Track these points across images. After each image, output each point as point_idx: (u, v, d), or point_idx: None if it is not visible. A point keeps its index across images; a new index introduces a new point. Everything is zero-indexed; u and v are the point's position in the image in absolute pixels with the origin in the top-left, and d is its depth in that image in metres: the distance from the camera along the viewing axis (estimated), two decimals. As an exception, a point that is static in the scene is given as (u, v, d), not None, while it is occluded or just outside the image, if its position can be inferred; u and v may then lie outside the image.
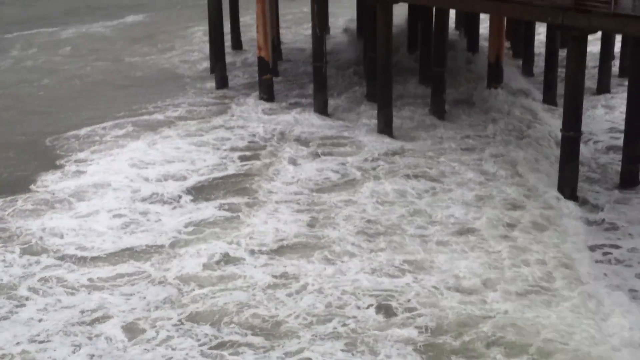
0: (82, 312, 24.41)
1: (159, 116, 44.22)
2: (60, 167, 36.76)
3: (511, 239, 28.33)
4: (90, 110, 45.70)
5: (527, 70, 50.19)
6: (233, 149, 38.26)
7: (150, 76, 54.44)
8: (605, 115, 42.63)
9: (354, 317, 23.61)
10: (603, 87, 46.26)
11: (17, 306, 24.82)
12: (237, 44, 58.43)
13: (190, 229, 29.87)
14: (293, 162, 36.21)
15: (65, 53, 62.11)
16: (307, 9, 50.02)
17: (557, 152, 33.76)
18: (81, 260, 27.73)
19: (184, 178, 34.84)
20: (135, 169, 36.03)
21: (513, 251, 27.34)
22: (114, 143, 39.76)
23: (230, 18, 56.93)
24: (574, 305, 23.72)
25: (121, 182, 34.47)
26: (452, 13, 50.66)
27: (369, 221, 29.94)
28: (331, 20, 64.12)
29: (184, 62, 57.91)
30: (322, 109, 42.45)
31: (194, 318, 23.94)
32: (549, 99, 44.24)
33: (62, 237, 29.41)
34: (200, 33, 65.97)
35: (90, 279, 26.42)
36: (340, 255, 27.42)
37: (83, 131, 41.74)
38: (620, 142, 35.52)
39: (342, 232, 29.11)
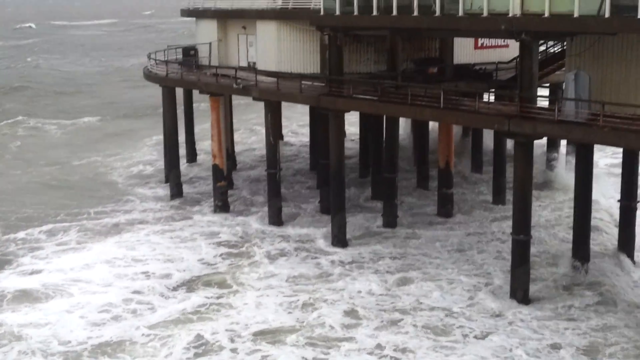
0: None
1: (111, 220, 44.84)
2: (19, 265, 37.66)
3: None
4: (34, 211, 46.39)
5: (476, 172, 51.46)
6: (195, 253, 39.02)
7: (96, 181, 54.99)
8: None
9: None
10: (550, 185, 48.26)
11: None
12: (191, 153, 58.85)
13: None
14: (260, 264, 36.97)
15: (13, 151, 62.83)
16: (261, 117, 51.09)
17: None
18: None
19: (163, 276, 35.78)
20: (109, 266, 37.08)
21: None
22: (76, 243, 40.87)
23: (185, 128, 57.47)
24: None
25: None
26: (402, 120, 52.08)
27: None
28: (285, 124, 65.63)
29: (134, 168, 58.58)
30: (276, 217, 42.69)
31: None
32: (498, 201, 45.28)
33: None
34: (151, 142, 66.88)
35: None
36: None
37: (35, 232, 42.54)
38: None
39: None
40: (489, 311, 31.40)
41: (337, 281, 34.89)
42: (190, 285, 34.94)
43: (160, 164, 57.86)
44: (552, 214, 43.82)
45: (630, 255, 36.46)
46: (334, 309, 31.81)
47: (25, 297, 33.73)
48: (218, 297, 33.36)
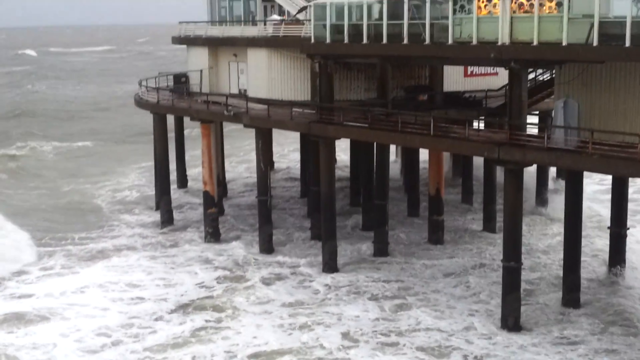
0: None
1: (97, 246, 44.94)
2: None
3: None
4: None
5: (467, 200, 51.58)
6: (188, 278, 39.17)
7: (83, 207, 54.98)
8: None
9: None
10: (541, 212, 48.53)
11: None
12: (182, 180, 58.80)
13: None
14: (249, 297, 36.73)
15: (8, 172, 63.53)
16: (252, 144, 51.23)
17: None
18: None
19: (159, 299, 35.96)
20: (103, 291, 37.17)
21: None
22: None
23: (176, 154, 57.47)
24: None
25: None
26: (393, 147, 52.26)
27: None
28: (276, 150, 65.83)
29: (122, 194, 58.74)
30: (267, 244, 42.62)
31: None
32: (489, 228, 45.38)
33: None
34: (141, 167, 66.96)
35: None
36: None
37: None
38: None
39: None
40: (486, 334, 31.48)
41: (333, 305, 34.97)
42: (187, 308, 34.98)
43: (148, 189, 58.04)
44: (553, 239, 43.93)
45: (621, 282, 36.53)
46: (331, 331, 31.99)
47: (18, 320, 33.70)
48: (215, 321, 33.47)
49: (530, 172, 45.51)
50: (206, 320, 33.49)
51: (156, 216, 50.56)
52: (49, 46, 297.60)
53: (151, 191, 55.41)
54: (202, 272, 39.91)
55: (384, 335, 31.69)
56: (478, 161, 49.96)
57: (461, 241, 44.19)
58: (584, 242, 36.55)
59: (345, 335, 31.65)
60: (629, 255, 38.44)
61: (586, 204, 39.91)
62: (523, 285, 33.16)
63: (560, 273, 35.88)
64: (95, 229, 48.98)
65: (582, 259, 35.74)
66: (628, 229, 36.85)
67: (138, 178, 64.12)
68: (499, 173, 42.70)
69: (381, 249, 41.52)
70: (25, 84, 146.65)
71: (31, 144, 79.99)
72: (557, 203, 46.89)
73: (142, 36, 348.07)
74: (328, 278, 38.37)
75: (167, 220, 49.00)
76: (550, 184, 51.51)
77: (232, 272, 39.84)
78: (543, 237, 44.60)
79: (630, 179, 37.10)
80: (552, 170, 51.81)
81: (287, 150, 71.53)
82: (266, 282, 38.23)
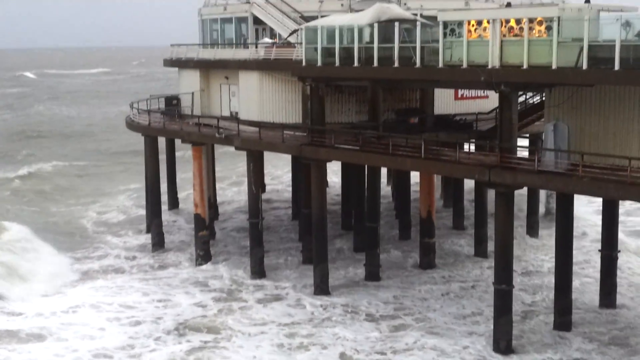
0: None
1: (87, 266, 45.07)
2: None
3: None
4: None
5: (457, 223, 51.61)
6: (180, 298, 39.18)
7: (72, 229, 54.97)
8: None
9: None
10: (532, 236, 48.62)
11: None
12: (173, 202, 58.64)
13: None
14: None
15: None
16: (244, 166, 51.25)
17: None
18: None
19: (156, 319, 36.11)
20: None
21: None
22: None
23: (167, 176, 57.38)
24: None
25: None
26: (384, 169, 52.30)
27: None
28: (269, 172, 65.81)
29: (111, 215, 58.74)
30: (258, 266, 42.48)
31: None
32: (480, 252, 45.38)
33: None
34: (129, 191, 66.89)
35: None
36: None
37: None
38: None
39: None
40: (481, 357, 31.47)
41: (329, 326, 35.03)
42: (183, 329, 34.99)
43: (136, 211, 57.93)
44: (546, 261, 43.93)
45: (612, 304, 36.53)
46: (328, 352, 32.11)
47: (10, 337, 33.81)
48: (213, 341, 33.57)
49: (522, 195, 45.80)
50: (204, 342, 33.48)
51: (147, 238, 50.39)
52: (46, 68, 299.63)
53: (141, 212, 55.28)
54: (197, 294, 39.90)
55: (379, 353, 31.75)
56: (469, 185, 50.22)
57: (453, 264, 44.12)
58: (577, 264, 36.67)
59: (343, 356, 31.72)
60: (620, 278, 38.48)
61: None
62: (515, 308, 33.10)
63: (552, 296, 35.86)
64: (81, 249, 48.93)
65: (574, 281, 35.77)
66: (619, 251, 36.87)
67: (128, 199, 64.02)
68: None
69: (373, 272, 41.42)
70: (26, 106, 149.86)
71: (34, 165, 79.99)
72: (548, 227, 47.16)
73: (136, 58, 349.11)
74: (321, 300, 38.26)
75: (157, 243, 48.81)
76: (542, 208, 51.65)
77: (226, 294, 39.84)
78: (535, 259, 44.62)
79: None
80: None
81: (279, 173, 71.49)
82: (261, 303, 38.22)
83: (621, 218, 43.11)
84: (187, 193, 57.41)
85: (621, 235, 45.31)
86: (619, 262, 37.64)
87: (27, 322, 35.68)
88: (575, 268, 36.89)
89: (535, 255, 45.37)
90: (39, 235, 50.95)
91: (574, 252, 44.33)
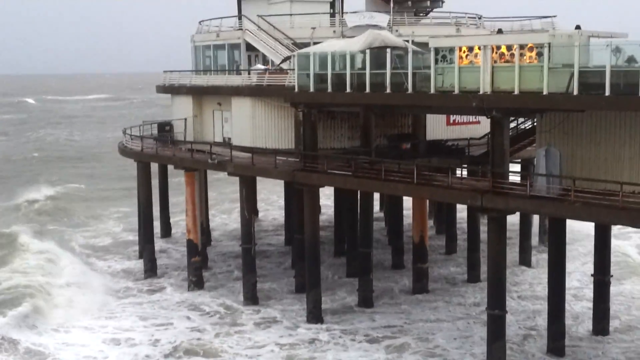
0: None
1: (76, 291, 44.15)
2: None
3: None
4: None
5: (450, 250, 51.60)
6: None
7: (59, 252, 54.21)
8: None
9: None
10: (525, 262, 48.62)
11: None
12: (166, 228, 58.50)
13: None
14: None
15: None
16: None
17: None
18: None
19: (153, 343, 36.27)
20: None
21: None
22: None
23: (160, 202, 57.26)
24: None
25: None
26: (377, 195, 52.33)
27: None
28: (262, 198, 65.74)
29: (102, 240, 58.64)
30: (251, 292, 42.30)
31: None
32: (472, 277, 45.35)
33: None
34: (116, 216, 66.79)
35: None
36: None
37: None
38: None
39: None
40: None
41: (327, 350, 35.15)
42: (179, 352, 35.01)
43: (126, 235, 57.78)
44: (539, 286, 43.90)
45: (606, 330, 36.49)
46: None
47: (10, 352, 33.95)
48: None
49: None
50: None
51: (137, 263, 50.40)
52: (45, 94, 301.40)
53: (132, 237, 55.14)
54: (191, 317, 40.00)
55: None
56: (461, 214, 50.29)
57: (446, 289, 44.07)
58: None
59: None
60: (613, 303, 38.49)
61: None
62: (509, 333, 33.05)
63: (545, 321, 35.84)
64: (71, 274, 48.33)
65: (567, 305, 35.79)
66: (611, 276, 36.90)
67: (119, 224, 63.91)
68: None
69: (366, 297, 41.32)
70: (29, 130, 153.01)
71: (42, 191, 79.35)
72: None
73: (134, 84, 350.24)
74: (316, 325, 38.18)
75: (150, 269, 48.62)
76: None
77: (221, 318, 39.85)
78: (529, 284, 44.61)
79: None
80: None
81: (272, 198, 71.47)
82: (258, 327, 38.33)
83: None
84: (179, 219, 57.35)
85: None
86: (626, 285, 37.69)
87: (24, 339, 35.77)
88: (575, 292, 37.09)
89: (529, 280, 45.29)
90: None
91: (577, 275, 45.42)
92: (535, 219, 51.09)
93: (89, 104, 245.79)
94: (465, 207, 45.06)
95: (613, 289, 38.89)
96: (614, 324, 37.38)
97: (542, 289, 41.71)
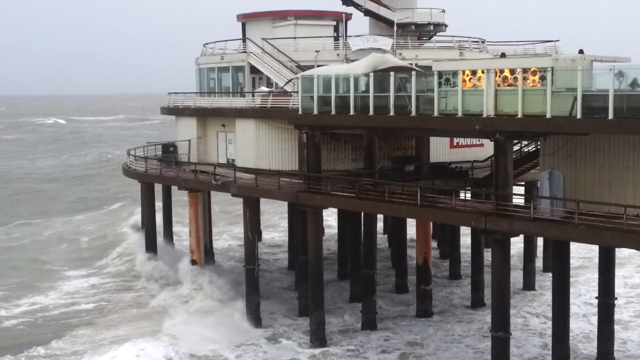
0: None
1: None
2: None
3: None
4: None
5: (454, 272, 51.57)
6: None
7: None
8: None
9: None
10: (528, 285, 48.37)
11: None
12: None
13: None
14: None
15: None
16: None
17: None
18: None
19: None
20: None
21: None
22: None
23: (163, 223, 57.17)
24: None
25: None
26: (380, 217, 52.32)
27: None
28: (264, 219, 65.71)
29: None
30: (254, 313, 42.23)
31: None
32: (477, 301, 45.26)
33: None
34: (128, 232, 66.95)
35: None
36: None
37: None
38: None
39: None
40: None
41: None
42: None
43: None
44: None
45: (610, 352, 36.38)
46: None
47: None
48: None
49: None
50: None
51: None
52: (66, 115, 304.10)
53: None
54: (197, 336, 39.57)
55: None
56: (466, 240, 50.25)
57: (450, 311, 43.97)
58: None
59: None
60: (618, 326, 38.43)
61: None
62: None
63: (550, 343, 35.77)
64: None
65: (572, 328, 35.72)
66: (616, 298, 36.84)
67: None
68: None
69: (369, 319, 41.25)
70: (85, 147, 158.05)
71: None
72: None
73: (150, 105, 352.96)
74: (321, 348, 38.06)
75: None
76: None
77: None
78: (533, 307, 44.53)
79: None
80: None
81: (276, 219, 71.46)
82: (267, 344, 38.73)
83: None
84: (183, 239, 57.39)
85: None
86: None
87: None
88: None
89: (534, 303, 45.21)
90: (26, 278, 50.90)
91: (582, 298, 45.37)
92: (540, 244, 51.09)
93: (117, 124, 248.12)
94: (469, 229, 45.07)
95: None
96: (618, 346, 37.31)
97: (547, 311, 41.66)
